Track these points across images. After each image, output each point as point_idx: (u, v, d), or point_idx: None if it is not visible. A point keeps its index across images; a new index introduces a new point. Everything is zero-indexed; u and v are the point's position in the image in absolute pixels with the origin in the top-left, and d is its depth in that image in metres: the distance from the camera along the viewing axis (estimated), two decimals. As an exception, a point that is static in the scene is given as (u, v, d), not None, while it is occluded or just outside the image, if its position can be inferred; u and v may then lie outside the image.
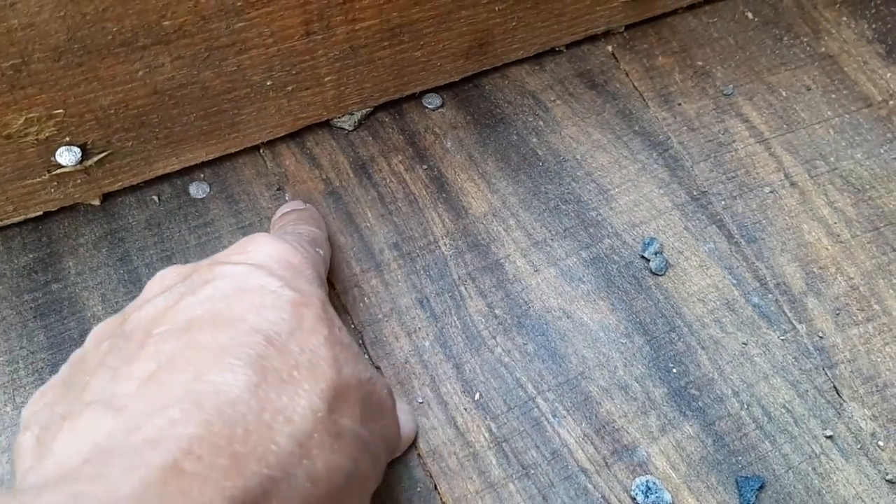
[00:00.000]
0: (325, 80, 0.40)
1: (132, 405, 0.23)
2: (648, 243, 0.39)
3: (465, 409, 0.36)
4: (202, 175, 0.41)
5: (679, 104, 0.44)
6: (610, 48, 0.45)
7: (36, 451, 0.25)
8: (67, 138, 0.37)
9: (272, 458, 0.23)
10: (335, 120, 0.43)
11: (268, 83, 0.39)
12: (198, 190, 0.41)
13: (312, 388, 0.25)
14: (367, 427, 0.27)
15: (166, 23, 0.34)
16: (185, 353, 0.25)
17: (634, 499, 0.34)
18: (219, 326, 0.25)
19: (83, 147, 0.37)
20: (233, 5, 0.35)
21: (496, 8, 0.41)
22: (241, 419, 0.23)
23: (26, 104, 0.34)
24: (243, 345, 0.25)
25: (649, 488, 0.34)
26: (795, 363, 0.37)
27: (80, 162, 0.38)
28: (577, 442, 0.35)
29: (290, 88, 0.40)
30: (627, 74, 0.45)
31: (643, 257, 0.39)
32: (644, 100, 0.44)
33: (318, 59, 0.39)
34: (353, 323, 0.38)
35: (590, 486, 0.34)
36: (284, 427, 0.24)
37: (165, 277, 0.30)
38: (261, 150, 0.42)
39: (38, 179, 0.38)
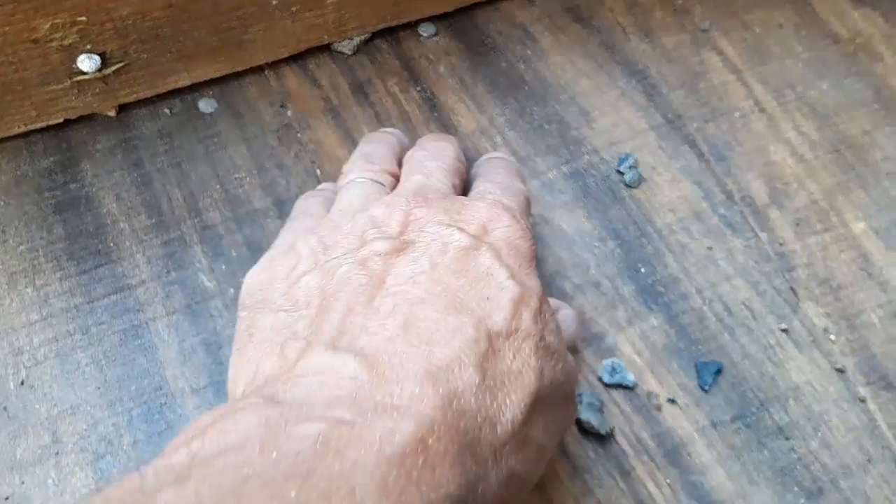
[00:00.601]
0: (327, 3, 0.43)
1: (377, 366, 0.24)
2: (623, 159, 0.42)
3: (449, 300, 0.39)
4: (210, 92, 0.45)
5: (658, 38, 0.47)
6: (596, -13, 0.48)
7: (279, 357, 0.27)
8: (89, 46, 0.40)
9: (479, 460, 0.24)
10: (335, 44, 0.46)
11: (273, 2, 0.42)
12: (206, 105, 0.44)
13: (518, 400, 0.25)
14: (550, 431, 0.27)
15: (182, -65, 0.37)
16: (420, 325, 0.26)
17: (601, 378, 0.37)
18: (449, 310, 0.26)
19: (102, 56, 0.40)
20: (243, -78, 0.38)
21: (488, -60, 0.44)
22: (464, 415, 0.24)
23: (53, 10, 0.38)
24: (471, 340, 0.26)
25: (614, 369, 0.37)
26: (756, 266, 0.40)
27: (100, 70, 0.41)
28: (551, 331, 0.38)
29: (294, 9, 0.43)
30: (612, 10, 0.48)
31: (618, 171, 0.42)
32: (626, 33, 0.47)
33: (320, -19, 0.42)
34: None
35: (561, 368, 0.37)
36: (489, 433, 0.24)
37: (393, 202, 0.31)
38: (265, 71, 0.45)
39: (61, 86, 0.41)
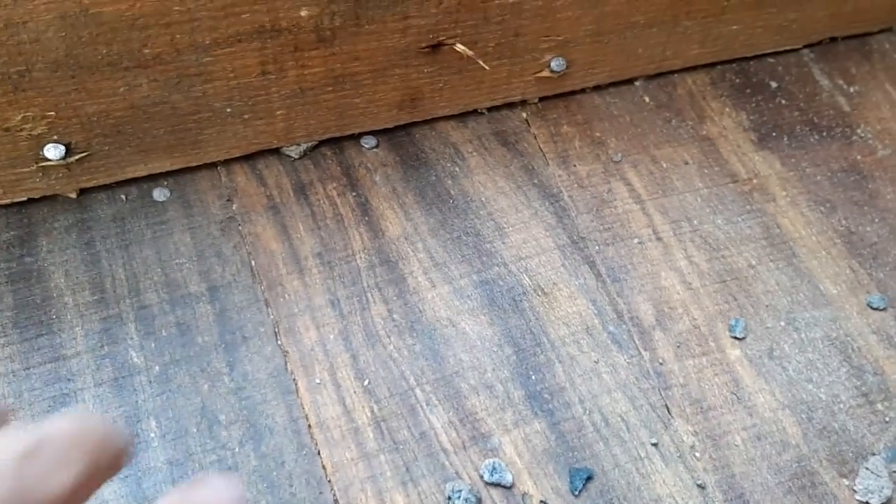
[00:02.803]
0: (277, 113, 0.48)
1: None
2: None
3: (355, 392, 0.42)
4: (165, 182, 0.49)
5: (574, 165, 0.52)
6: (524, 115, 0.54)
7: None
8: (55, 137, 0.45)
9: None
10: (284, 148, 0.51)
11: (227, 110, 0.47)
12: (160, 194, 0.49)
13: None
14: None
15: (146, 51, 0.42)
16: None
17: (482, 476, 0.40)
18: None
19: (67, 146, 0.45)
20: (202, 43, 0.43)
21: (425, 70, 0.49)
22: None
23: (25, 104, 0.42)
24: None
25: (495, 468, 0.40)
26: (636, 382, 0.44)
27: (64, 158, 0.45)
28: (442, 427, 0.42)
29: (246, 117, 0.48)
30: (536, 137, 0.53)
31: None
32: (546, 159, 0.52)
33: (271, 95, 0.47)
34: (272, 314, 0.45)
35: (447, 463, 0.41)
36: None
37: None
38: (218, 167, 0.50)
39: (27, 169, 0.45)
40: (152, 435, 0.40)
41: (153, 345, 0.43)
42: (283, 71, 0.46)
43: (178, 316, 0.44)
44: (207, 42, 0.43)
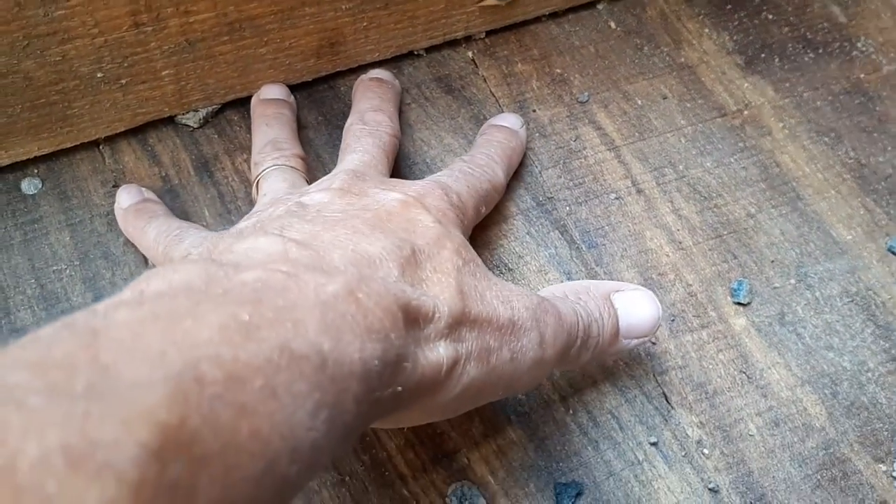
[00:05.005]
0: (163, 73, 0.39)
1: (306, 248, 0.26)
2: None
3: (285, 413, 0.34)
4: (36, 171, 0.40)
5: (534, 111, 0.43)
6: (470, 54, 0.45)
7: (214, 242, 0.29)
8: None
9: (405, 334, 0.25)
10: (179, 116, 0.41)
11: (98, 75, 0.38)
12: (29, 185, 0.40)
13: (439, 295, 0.27)
14: (485, 366, 0.28)
15: (-28, 7, 0.33)
16: (346, 231, 0.28)
17: (448, 506, 0.33)
18: (376, 227, 0.28)
19: None
20: (46, -9, 0.34)
21: (343, 6, 0.40)
22: (385, 294, 0.24)
23: None
24: (393, 245, 0.27)
25: (464, 494, 0.33)
26: (626, 369, 0.36)
27: None
28: (398, 448, 0.34)
29: (123, 82, 0.38)
30: (485, 80, 0.44)
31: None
32: (500, 106, 0.43)
33: (151, 52, 0.38)
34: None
35: (406, 492, 0.33)
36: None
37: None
38: (99, 146, 0.41)
39: None
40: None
41: (28, 377, 0.34)
42: (162, 20, 0.37)
43: (59, 337, 0.36)
44: (54, -11, 0.34)
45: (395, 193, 0.31)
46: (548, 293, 0.32)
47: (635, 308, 0.33)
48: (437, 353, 0.26)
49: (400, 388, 0.24)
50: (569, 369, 0.36)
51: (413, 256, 0.28)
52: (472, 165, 0.37)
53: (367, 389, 0.23)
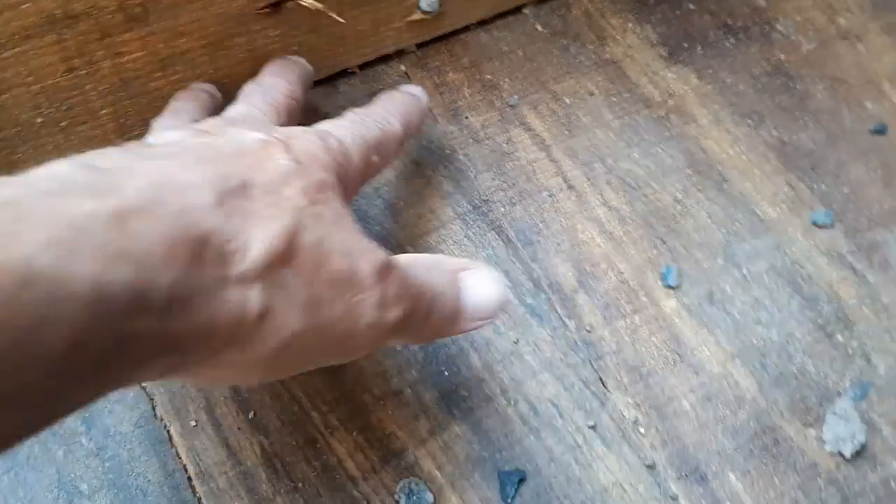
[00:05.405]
0: (101, 113, 0.41)
1: (95, 169, 0.23)
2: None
3: (239, 429, 0.36)
4: (-10, 215, 0.42)
5: (466, 118, 0.45)
6: (403, 67, 0.47)
7: None
8: None
9: (203, 273, 0.23)
10: (124, 152, 0.43)
11: (38, 120, 0.39)
12: (-15, 230, 0.41)
13: (258, 239, 0.24)
14: (314, 317, 0.26)
15: None
16: (169, 163, 0.25)
17: (397, 501, 0.34)
18: (209, 162, 0.26)
19: None
20: (-22, 46, 0.35)
21: (271, 34, 0.42)
22: (186, 222, 0.23)
23: None
24: (218, 175, 0.25)
25: (411, 490, 0.34)
26: (563, 358, 0.38)
27: None
28: (347, 452, 0.36)
29: (63, 124, 0.40)
30: (418, 91, 0.46)
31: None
32: (433, 115, 0.45)
33: (87, 94, 0.39)
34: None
35: (357, 493, 0.35)
36: (216, 256, 0.23)
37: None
38: (50, 187, 0.42)
39: None
40: (4, 523, 0.34)
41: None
42: (94, 63, 0.38)
43: None
44: (-15, 43, 0.35)
45: (259, 134, 0.28)
46: (401, 261, 0.30)
47: (481, 288, 0.31)
48: (244, 295, 0.24)
49: (177, 327, 0.22)
50: (409, 343, 0.35)
51: (242, 189, 0.25)
52: (363, 115, 0.35)
53: (97, 314, 0.20)
